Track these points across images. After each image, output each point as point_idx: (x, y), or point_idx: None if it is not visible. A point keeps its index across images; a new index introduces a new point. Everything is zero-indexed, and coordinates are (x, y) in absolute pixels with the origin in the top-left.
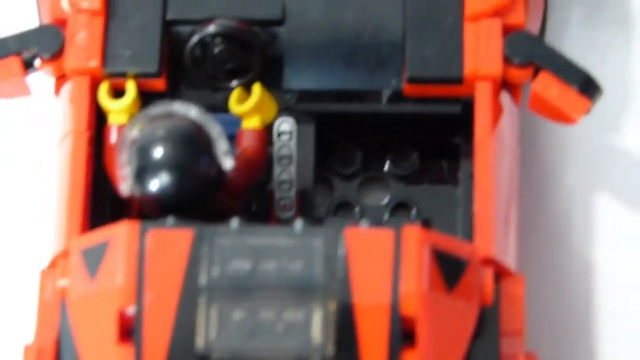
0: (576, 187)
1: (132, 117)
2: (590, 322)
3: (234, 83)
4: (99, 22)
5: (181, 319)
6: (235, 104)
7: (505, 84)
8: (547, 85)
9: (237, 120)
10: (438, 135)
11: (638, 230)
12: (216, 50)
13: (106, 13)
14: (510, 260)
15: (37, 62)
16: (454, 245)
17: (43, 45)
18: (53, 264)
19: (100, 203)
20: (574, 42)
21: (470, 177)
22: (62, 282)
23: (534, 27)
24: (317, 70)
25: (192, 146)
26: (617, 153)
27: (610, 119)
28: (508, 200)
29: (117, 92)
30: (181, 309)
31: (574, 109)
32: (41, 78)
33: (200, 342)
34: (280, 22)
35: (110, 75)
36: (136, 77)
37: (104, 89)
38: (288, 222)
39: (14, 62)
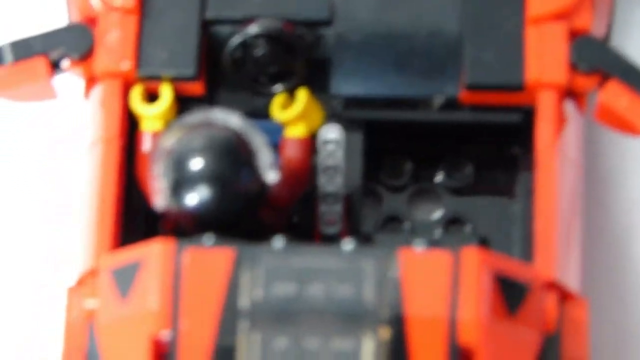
0: None
1: (167, 123)
2: None
3: (277, 88)
4: (132, 21)
5: (220, 346)
6: (279, 111)
7: (569, 92)
8: (615, 95)
9: (279, 128)
10: (494, 146)
11: None
12: (258, 52)
13: (140, 11)
14: (572, 282)
15: (65, 63)
16: (515, 268)
17: (71, 45)
18: (81, 282)
19: (132, 216)
20: (636, 46)
21: (529, 191)
22: (91, 303)
23: (599, 31)
24: (367, 75)
25: (233, 157)
26: None
27: None
28: (571, 217)
29: (151, 97)
30: (220, 336)
31: None
32: (68, 80)
33: None
34: (327, 22)
35: (144, 78)
36: (172, 80)
37: (137, 93)
38: (333, 238)
39: (39, 64)
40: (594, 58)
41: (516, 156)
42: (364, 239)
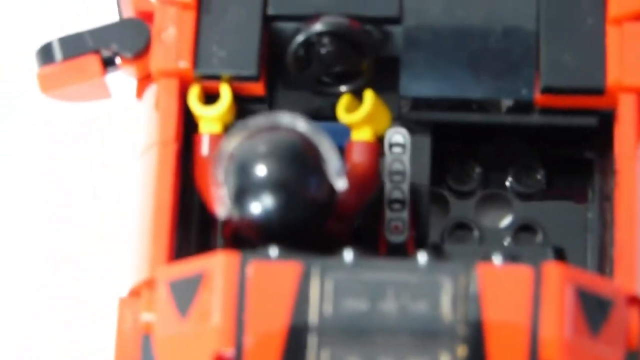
0: None
1: (225, 125)
2: None
3: (343, 88)
4: (190, 17)
5: None
6: (344, 113)
7: None
8: None
9: (344, 130)
10: (568, 149)
11: None
12: (323, 51)
13: (198, 6)
14: None
15: (118, 61)
16: (597, 283)
17: (125, 42)
18: (135, 293)
19: (186, 223)
20: None
21: (604, 197)
22: (147, 317)
23: None
24: (437, 75)
25: (300, 163)
26: None
27: None
28: None
29: (210, 97)
30: (287, 353)
31: None
32: (122, 78)
33: None
34: (396, 20)
35: (202, 78)
36: (232, 80)
37: (194, 93)
38: (399, 246)
39: (92, 61)
40: None
41: (591, 160)
42: (433, 249)
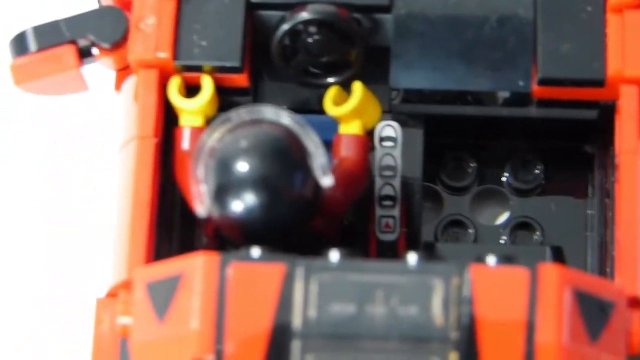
0: None
1: (207, 118)
2: None
3: (331, 80)
4: (170, 5)
5: None
6: (332, 105)
7: None
8: None
9: (332, 124)
10: (567, 143)
11: None
12: (310, 40)
13: None
14: None
15: (95, 51)
16: (597, 284)
17: (102, 31)
18: (112, 294)
19: (168, 222)
20: None
21: (604, 193)
22: (124, 320)
23: None
24: (429, 66)
25: (284, 159)
26: None
27: None
28: None
29: (191, 89)
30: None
31: None
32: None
33: None
34: (387, 8)
35: (183, 69)
36: (214, 71)
37: (175, 85)
38: (390, 245)
39: (67, 52)
40: None
41: (591, 155)
42: (425, 248)
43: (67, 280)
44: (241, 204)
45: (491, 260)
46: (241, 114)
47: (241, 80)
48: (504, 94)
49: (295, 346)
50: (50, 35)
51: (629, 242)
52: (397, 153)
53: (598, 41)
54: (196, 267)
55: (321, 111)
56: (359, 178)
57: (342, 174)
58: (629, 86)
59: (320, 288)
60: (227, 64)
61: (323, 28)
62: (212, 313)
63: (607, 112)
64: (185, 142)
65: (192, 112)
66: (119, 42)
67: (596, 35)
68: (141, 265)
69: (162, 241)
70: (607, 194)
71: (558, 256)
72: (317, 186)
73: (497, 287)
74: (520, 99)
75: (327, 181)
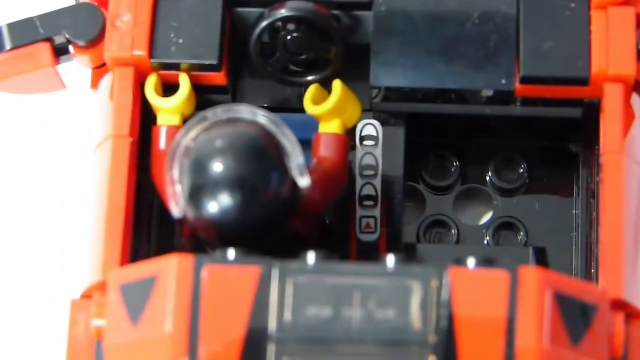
0: None
1: (184, 117)
2: None
3: (310, 78)
4: (147, 2)
5: None
6: (311, 104)
7: (637, 86)
8: None
9: (312, 122)
10: (552, 142)
11: None
12: (289, 37)
13: None
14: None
15: (71, 49)
16: (579, 287)
17: (78, 28)
18: (87, 296)
19: (146, 222)
20: None
21: (590, 193)
22: (98, 322)
23: None
24: (410, 64)
25: (260, 159)
26: None
27: None
28: (637, 226)
29: (168, 87)
30: None
31: None
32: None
33: None
34: (367, 5)
35: (160, 67)
36: (191, 69)
37: (151, 83)
38: (371, 246)
39: (42, 50)
40: None
41: (576, 154)
42: (406, 249)
43: (67, 280)
44: (216, 204)
45: (471, 262)
46: (217, 112)
47: (219, 78)
48: (487, 92)
49: (271, 350)
50: (25, 32)
51: (613, 244)
52: (378, 152)
53: (582, 38)
54: (170, 269)
55: (301, 109)
56: (338, 178)
57: (321, 173)
58: (613, 84)
59: (296, 291)
60: (205, 61)
61: (302, 25)
62: (186, 316)
63: (592, 111)
64: (161, 141)
65: (168, 110)
66: (94, 40)
67: (580, 32)
68: (116, 266)
69: (140, 241)
70: (593, 194)
71: (541, 257)
72: (294, 186)
73: (476, 290)
74: (504, 97)
75: (304, 181)
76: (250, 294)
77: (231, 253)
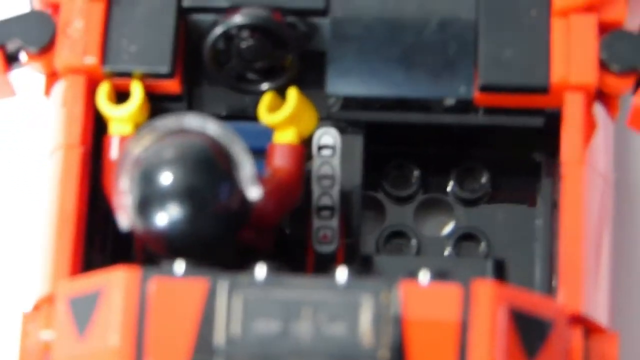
0: None
1: (137, 126)
2: None
3: (265, 86)
4: (98, 9)
5: None
6: (266, 113)
7: (599, 95)
8: None
9: (267, 131)
10: (513, 151)
11: None
12: (243, 45)
13: None
14: (601, 314)
15: (23, 56)
16: (535, 303)
17: (29, 36)
18: (37, 308)
19: (100, 234)
20: None
21: (553, 203)
22: (46, 335)
23: (634, 25)
24: (368, 72)
25: (209, 170)
26: None
27: None
28: (599, 239)
29: (120, 96)
30: None
31: None
32: (29, 75)
33: None
34: (323, 11)
35: (112, 75)
36: (144, 77)
37: (103, 92)
38: (328, 257)
39: None
40: (628, 56)
41: (539, 163)
42: (363, 261)
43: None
44: (164, 216)
45: (424, 276)
46: (167, 122)
47: (173, 86)
48: (449, 101)
49: None
50: None
51: (572, 257)
52: (336, 161)
53: (542, 46)
54: (116, 282)
55: (257, 118)
56: (293, 189)
57: (275, 185)
58: (574, 94)
59: (245, 305)
60: (157, 69)
61: (256, 33)
62: (132, 329)
63: (554, 120)
64: (113, 151)
65: (121, 119)
66: (46, 47)
67: (540, 39)
68: (66, 277)
69: (95, 251)
70: (555, 205)
71: (500, 270)
72: (244, 198)
73: (428, 305)
74: (464, 105)
75: (254, 193)
76: (198, 308)
77: (179, 266)
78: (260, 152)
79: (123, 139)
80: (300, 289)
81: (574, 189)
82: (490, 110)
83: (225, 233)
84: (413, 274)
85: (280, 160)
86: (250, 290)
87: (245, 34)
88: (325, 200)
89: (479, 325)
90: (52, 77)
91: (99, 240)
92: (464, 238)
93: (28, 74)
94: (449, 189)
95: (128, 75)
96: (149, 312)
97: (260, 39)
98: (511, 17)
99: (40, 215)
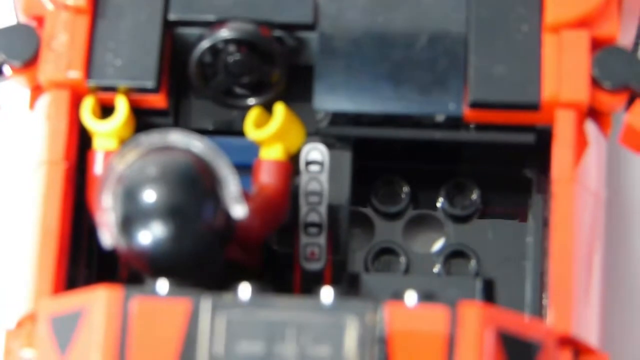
0: None
1: (122, 141)
2: None
3: (252, 101)
4: (83, 22)
5: None
6: (253, 128)
7: (591, 112)
8: None
9: (254, 147)
10: (505, 168)
11: None
12: (230, 59)
13: (93, 11)
14: (591, 335)
15: (7, 70)
16: (523, 325)
17: (13, 49)
18: (20, 325)
19: (85, 250)
20: None
21: (544, 220)
22: (28, 354)
23: (627, 42)
24: (356, 87)
25: (193, 188)
26: None
27: None
28: (590, 259)
29: (105, 110)
30: None
31: None
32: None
33: None
34: (310, 25)
35: (97, 89)
36: (129, 91)
37: (88, 106)
38: (316, 274)
39: None
40: (621, 73)
41: (529, 179)
42: (350, 280)
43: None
44: (147, 235)
45: (410, 296)
46: (151, 139)
47: (159, 101)
48: (439, 117)
49: None
50: None
51: (562, 277)
52: (324, 177)
53: (533, 63)
54: (98, 301)
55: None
56: (279, 206)
57: (261, 202)
58: (565, 110)
59: (228, 325)
60: (143, 84)
61: (243, 47)
62: (114, 349)
63: (545, 136)
64: (98, 166)
65: (105, 134)
66: (30, 61)
67: (531, 56)
68: (49, 294)
69: (80, 267)
70: (545, 222)
71: (489, 289)
72: (229, 216)
73: (414, 327)
74: (454, 121)
75: (239, 211)
76: (181, 328)
77: (162, 285)
78: (246, 168)
79: (108, 154)
80: (285, 309)
81: (565, 208)
82: (481, 127)
83: (209, 251)
84: (400, 294)
85: (266, 177)
86: (234, 310)
87: (232, 48)
88: (313, 217)
89: (466, 348)
90: (37, 90)
91: (84, 256)
92: (454, 255)
93: (12, 87)
94: (439, 205)
95: (113, 89)
96: (131, 332)
97: (247, 53)
98: (502, 32)
99: (24, 231)
